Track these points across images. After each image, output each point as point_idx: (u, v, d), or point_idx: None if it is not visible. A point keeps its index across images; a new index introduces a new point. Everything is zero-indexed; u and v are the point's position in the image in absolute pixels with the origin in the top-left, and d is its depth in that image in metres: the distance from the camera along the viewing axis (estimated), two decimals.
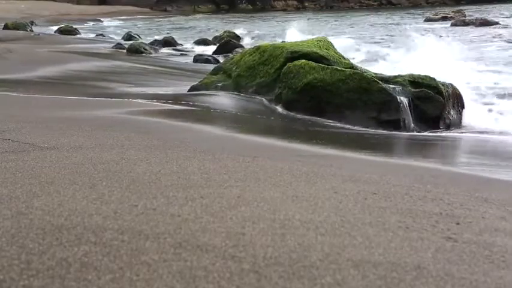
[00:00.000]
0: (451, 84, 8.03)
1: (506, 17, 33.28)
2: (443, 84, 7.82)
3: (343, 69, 7.59)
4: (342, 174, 3.68)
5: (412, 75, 8.00)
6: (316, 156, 4.53)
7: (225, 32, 25.10)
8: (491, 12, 39.57)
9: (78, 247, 2.11)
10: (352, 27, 32.79)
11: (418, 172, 4.07)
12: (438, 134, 7.13)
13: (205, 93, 8.38)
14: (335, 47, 8.76)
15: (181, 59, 16.55)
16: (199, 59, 15.72)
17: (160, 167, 3.46)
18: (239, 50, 16.00)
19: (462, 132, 7.29)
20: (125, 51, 17.33)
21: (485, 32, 23.64)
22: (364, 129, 6.93)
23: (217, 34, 25.22)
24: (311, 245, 2.25)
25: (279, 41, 16.33)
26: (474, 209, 2.98)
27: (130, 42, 19.93)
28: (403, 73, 7.94)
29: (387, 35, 24.86)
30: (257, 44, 9.30)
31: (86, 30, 29.63)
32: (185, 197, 2.82)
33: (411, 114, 7.36)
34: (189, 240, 2.23)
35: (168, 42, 21.46)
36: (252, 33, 27.40)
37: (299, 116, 7.35)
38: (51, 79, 9.62)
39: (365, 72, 7.87)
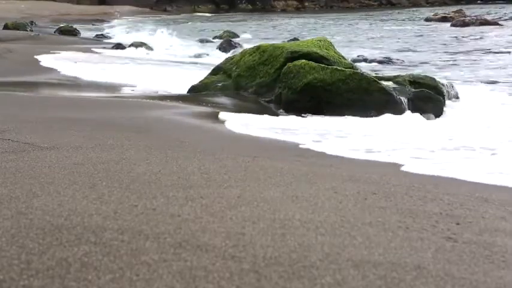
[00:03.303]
0: (452, 84, 8.03)
1: (506, 17, 33.28)
2: (443, 84, 7.83)
3: (343, 69, 7.59)
4: (342, 174, 3.67)
5: (412, 75, 8.01)
6: (316, 156, 4.53)
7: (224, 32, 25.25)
8: (491, 12, 39.56)
9: (78, 247, 2.11)
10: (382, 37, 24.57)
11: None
12: None
13: (205, 93, 8.38)
14: None
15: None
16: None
17: (161, 167, 3.46)
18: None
19: None
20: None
21: None
22: None
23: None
24: (311, 245, 2.25)
25: None
26: (474, 209, 2.98)
27: (131, 42, 20.00)
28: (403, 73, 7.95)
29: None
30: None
31: (86, 30, 29.61)
32: (185, 197, 2.82)
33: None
34: (189, 240, 2.23)
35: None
36: None
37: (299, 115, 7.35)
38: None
39: (365, 72, 7.88)
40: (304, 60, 7.72)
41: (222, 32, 25.78)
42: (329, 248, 2.23)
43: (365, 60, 14.76)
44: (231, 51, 16.69)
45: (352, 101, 7.26)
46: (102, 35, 26.33)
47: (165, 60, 14.94)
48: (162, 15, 54.16)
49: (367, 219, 2.64)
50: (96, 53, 15.82)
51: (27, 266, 1.94)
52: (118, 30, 30.65)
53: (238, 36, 24.21)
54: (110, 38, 24.74)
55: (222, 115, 6.45)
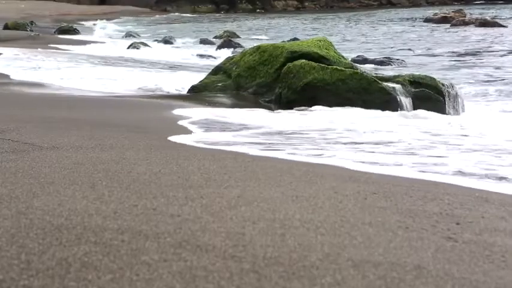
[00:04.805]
0: (452, 84, 8.03)
1: (506, 17, 33.27)
2: (443, 84, 7.83)
3: (343, 69, 7.59)
4: (342, 174, 3.67)
5: (412, 75, 8.01)
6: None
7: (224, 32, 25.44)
8: (491, 12, 39.54)
9: (78, 247, 2.11)
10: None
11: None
12: None
13: (205, 93, 8.38)
14: None
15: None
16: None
17: (160, 167, 3.46)
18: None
19: None
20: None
21: None
22: None
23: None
24: (311, 245, 2.25)
25: None
26: (474, 209, 2.98)
27: (131, 41, 20.18)
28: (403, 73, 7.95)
29: None
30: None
31: (86, 30, 29.61)
32: (185, 197, 2.82)
33: None
34: (189, 240, 2.23)
35: (167, 41, 22.54)
36: None
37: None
38: None
39: (365, 72, 7.88)
40: (304, 60, 7.72)
41: (222, 31, 25.86)
42: (329, 248, 2.23)
43: (365, 60, 14.75)
44: (231, 52, 16.76)
45: (352, 101, 7.26)
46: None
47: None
48: (162, 15, 54.17)
49: (367, 219, 2.64)
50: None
51: (27, 266, 1.94)
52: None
53: (238, 36, 24.25)
54: (111, 37, 24.82)
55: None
